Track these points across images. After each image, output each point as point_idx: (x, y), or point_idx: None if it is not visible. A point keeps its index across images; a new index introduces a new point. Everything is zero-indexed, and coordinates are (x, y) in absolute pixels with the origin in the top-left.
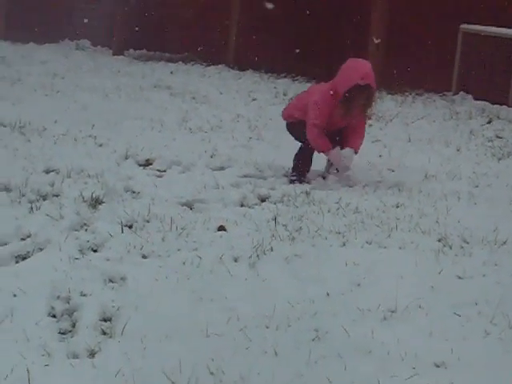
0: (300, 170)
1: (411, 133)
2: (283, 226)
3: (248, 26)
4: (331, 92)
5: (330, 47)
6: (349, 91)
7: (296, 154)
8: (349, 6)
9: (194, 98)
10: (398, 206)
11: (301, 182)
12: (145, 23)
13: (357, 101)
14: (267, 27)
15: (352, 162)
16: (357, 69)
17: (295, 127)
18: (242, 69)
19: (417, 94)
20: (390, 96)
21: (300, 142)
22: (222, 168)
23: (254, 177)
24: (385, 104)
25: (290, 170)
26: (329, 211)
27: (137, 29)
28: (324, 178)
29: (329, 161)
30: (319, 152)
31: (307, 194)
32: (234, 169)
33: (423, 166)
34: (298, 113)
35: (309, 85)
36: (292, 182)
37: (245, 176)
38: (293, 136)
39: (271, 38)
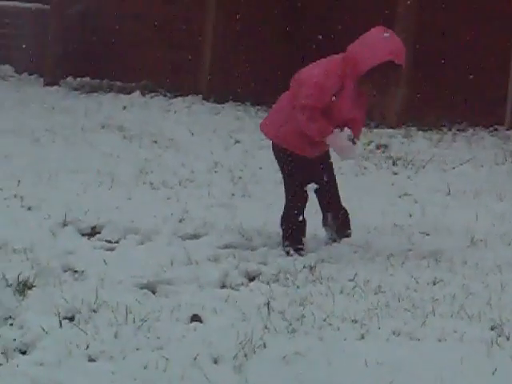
0: (293, 235)
1: (451, 182)
2: (279, 313)
3: (227, 44)
4: (339, 72)
5: None
6: (378, 69)
7: (283, 216)
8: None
9: (155, 142)
10: (435, 283)
11: (299, 253)
12: (88, 43)
13: (384, 83)
14: (253, 45)
15: (358, 146)
16: (389, 42)
17: (284, 149)
18: (220, 101)
19: (458, 130)
20: (421, 133)
21: (285, 175)
22: (195, 236)
23: (238, 247)
24: (415, 144)
25: (282, 239)
26: (341, 292)
27: (77, 50)
28: (334, 240)
29: (334, 218)
30: (316, 139)
31: (311, 268)
32: (211, 237)
33: (468, 227)
34: (285, 119)
35: None
36: (288, 253)
37: (226, 246)
38: (278, 164)
39: (259, 58)
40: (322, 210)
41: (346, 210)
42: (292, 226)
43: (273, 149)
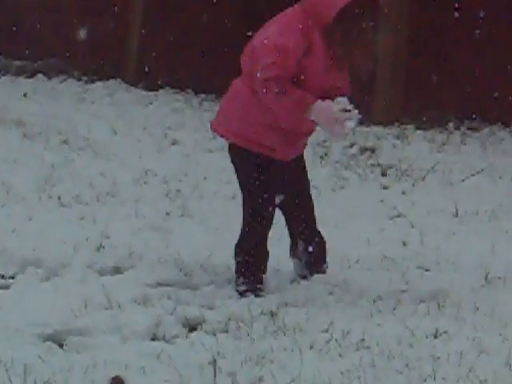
0: (250, 271)
1: (460, 200)
2: (229, 375)
3: (164, 11)
4: (300, 25)
5: None
6: (348, 10)
7: (238, 243)
8: None
9: (65, 143)
10: (436, 336)
11: (257, 293)
12: None
13: (359, 30)
14: (197, 13)
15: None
16: None
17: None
18: (153, 87)
19: (469, 129)
20: (420, 133)
21: (244, 187)
22: (117, 270)
23: (175, 286)
24: (411, 148)
25: (235, 275)
26: (312, 347)
27: None
28: (304, 277)
29: (307, 247)
30: (294, 122)
31: (272, 315)
32: (138, 271)
33: (482, 260)
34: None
35: None
36: (242, 293)
37: (159, 284)
38: (236, 172)
39: (204, 32)
40: (290, 235)
41: (322, 237)
42: (249, 257)
43: (229, 151)
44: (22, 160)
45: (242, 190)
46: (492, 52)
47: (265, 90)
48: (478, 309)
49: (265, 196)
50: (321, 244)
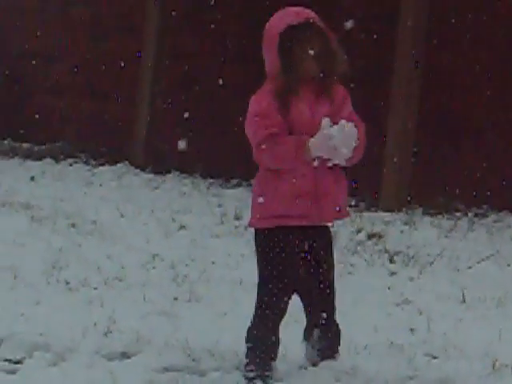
0: (262, 357)
1: (467, 286)
2: None
3: (173, 93)
4: (267, 88)
5: None
6: (281, 45)
7: (250, 329)
8: None
9: (73, 226)
10: None
11: (266, 381)
12: None
13: (298, 53)
14: (210, 92)
15: (352, 137)
16: (279, 17)
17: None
18: (161, 170)
19: (477, 215)
20: (427, 219)
21: (260, 269)
22: (124, 355)
23: (182, 370)
24: (419, 234)
25: (245, 360)
26: None
27: None
28: (314, 364)
29: (323, 335)
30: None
31: None
32: (146, 357)
33: (489, 348)
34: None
35: None
36: (251, 380)
37: (166, 370)
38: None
39: (216, 111)
40: (307, 320)
41: (337, 326)
42: (260, 344)
43: (254, 238)
44: (29, 244)
45: (258, 275)
46: (496, 139)
47: (260, 152)
48: None
49: (280, 285)
50: (337, 333)
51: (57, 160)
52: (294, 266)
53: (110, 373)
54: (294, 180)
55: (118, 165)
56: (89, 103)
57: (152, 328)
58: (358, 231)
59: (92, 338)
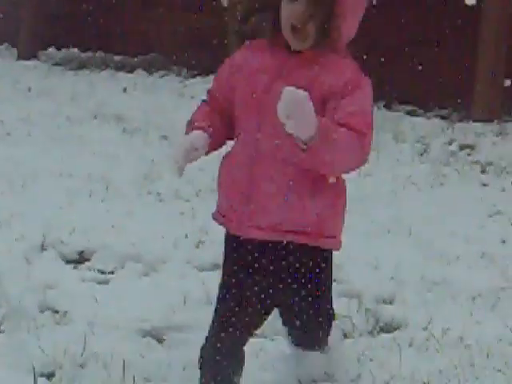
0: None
1: None
2: None
3: None
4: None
5: None
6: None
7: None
8: None
9: (165, 138)
10: None
11: None
12: (76, 2)
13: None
14: None
15: (300, 104)
16: None
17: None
18: None
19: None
20: None
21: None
22: (216, 266)
23: None
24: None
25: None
26: (410, 345)
27: (62, 12)
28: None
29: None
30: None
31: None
32: None
33: None
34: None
35: None
36: None
37: None
38: None
39: None
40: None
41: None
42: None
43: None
44: (121, 155)
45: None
46: None
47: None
48: None
49: (221, 296)
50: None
51: (149, 72)
52: (238, 284)
53: (201, 283)
54: (230, 166)
55: (210, 76)
56: (181, 15)
57: None
58: (450, 142)
59: (183, 249)
